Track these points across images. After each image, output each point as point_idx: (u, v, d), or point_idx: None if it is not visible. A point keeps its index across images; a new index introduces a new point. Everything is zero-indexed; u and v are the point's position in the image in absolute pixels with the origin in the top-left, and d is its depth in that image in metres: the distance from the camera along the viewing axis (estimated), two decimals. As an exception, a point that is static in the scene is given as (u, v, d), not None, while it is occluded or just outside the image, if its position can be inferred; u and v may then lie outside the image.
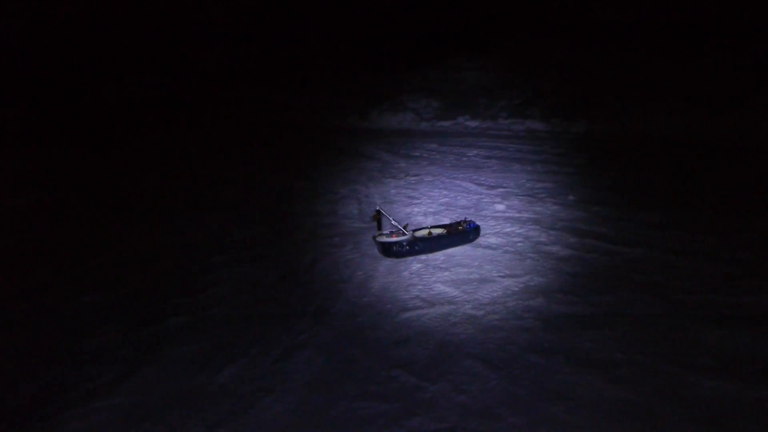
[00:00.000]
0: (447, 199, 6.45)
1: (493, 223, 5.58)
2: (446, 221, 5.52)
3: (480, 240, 5.17)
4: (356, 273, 4.66)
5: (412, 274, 4.57)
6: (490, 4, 17.32)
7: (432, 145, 9.62)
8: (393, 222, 5.08)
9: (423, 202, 6.35)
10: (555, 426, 2.79)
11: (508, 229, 5.41)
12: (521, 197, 6.37)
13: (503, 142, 9.60)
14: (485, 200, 6.33)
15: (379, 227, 5.06)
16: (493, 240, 5.18)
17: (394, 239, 4.90)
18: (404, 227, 5.00)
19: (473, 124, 11.37)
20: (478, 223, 5.29)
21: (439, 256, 4.90)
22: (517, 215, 5.80)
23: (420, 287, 4.32)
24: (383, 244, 4.92)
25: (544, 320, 3.75)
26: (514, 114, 11.50)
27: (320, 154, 9.40)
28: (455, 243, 5.09)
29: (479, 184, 6.96)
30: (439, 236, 5.06)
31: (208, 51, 18.59)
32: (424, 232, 5.10)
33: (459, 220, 5.37)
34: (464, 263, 4.72)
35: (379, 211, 5.08)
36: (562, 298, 4.03)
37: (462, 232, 5.11)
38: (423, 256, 4.89)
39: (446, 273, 4.54)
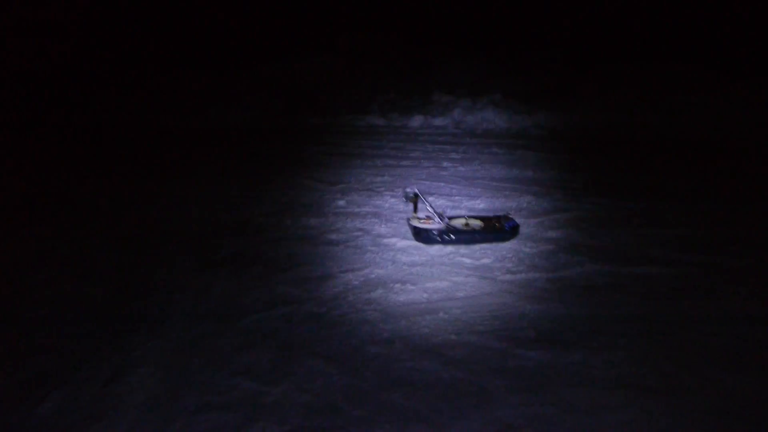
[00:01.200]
0: (287, 198, 6.42)
1: (333, 219, 5.66)
2: (485, 213, 5.48)
3: (321, 236, 5.22)
4: (195, 281, 4.47)
5: (253, 278, 4.48)
6: (329, 1, 17.47)
7: (275, 143, 9.52)
8: (429, 208, 4.99)
9: (264, 202, 6.26)
10: (395, 413, 2.89)
11: (348, 225, 5.51)
12: (361, 192, 6.53)
13: (344, 138, 9.76)
14: (326, 197, 6.40)
15: (415, 210, 5.05)
16: (334, 236, 5.24)
17: (428, 225, 4.86)
18: (440, 214, 4.94)
19: (315, 121, 11.42)
20: (516, 221, 5.10)
21: (283, 256, 4.86)
22: (357, 210, 5.93)
23: (261, 290, 4.25)
24: (415, 228, 4.90)
25: (383, 311, 3.87)
26: (354, 110, 11.73)
27: (157, 159, 8.88)
28: (489, 239, 4.91)
29: (320, 181, 7.01)
30: (474, 230, 4.94)
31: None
32: (460, 221, 5.02)
33: (499, 215, 5.23)
34: (305, 261, 4.73)
35: (416, 194, 5.01)
36: (400, 288, 4.19)
37: (499, 230, 4.96)
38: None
39: (288, 273, 4.52)
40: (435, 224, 4.91)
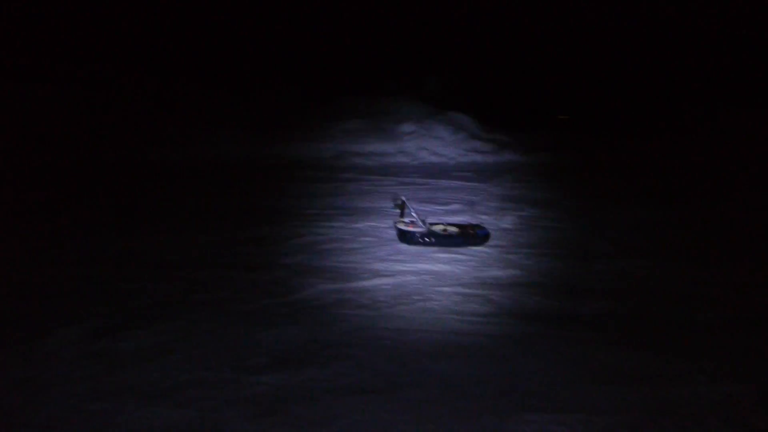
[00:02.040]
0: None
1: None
2: (461, 222, 6.14)
3: None
4: None
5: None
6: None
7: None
8: (413, 214, 5.68)
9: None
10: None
11: None
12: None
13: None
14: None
15: (402, 215, 5.76)
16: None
17: (411, 229, 5.54)
18: (423, 220, 5.60)
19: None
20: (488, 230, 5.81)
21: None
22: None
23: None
24: (401, 230, 5.59)
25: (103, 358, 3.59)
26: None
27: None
28: (463, 244, 5.56)
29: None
30: (451, 235, 5.59)
31: None
32: (440, 227, 5.69)
33: (473, 223, 5.98)
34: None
35: (403, 202, 5.78)
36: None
37: (472, 236, 5.62)
38: None
39: None
40: (418, 228, 5.56)
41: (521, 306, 4.44)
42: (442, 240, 5.58)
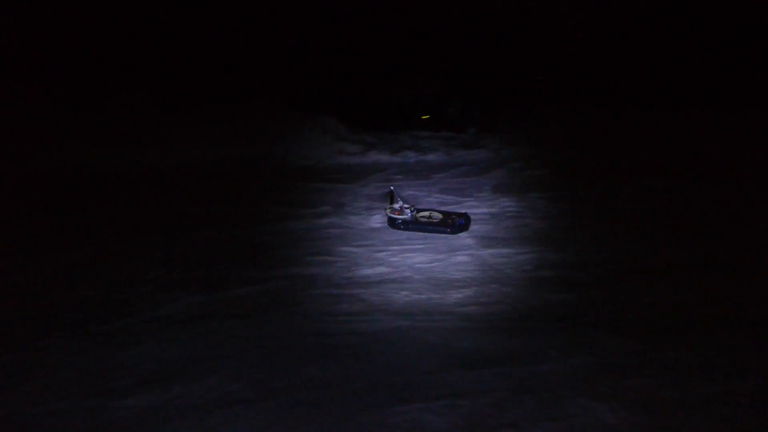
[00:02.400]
0: None
1: None
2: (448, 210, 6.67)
3: None
4: None
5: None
6: None
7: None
8: (400, 202, 6.39)
9: None
10: None
11: None
12: None
13: None
14: None
15: (390, 203, 6.42)
16: None
17: (397, 216, 6.28)
18: (409, 207, 6.32)
19: None
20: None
21: None
22: None
23: None
24: (389, 217, 6.33)
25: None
26: None
27: None
28: (440, 231, 6.17)
29: None
30: (429, 222, 6.25)
31: None
32: (426, 214, 6.38)
33: (458, 212, 6.55)
34: None
35: (392, 191, 6.51)
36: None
37: (452, 224, 6.19)
38: None
39: None
40: (404, 215, 6.28)
41: (390, 302, 4.57)
42: (422, 226, 6.29)
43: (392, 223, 6.40)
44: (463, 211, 6.88)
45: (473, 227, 6.68)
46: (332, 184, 9.03)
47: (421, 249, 5.85)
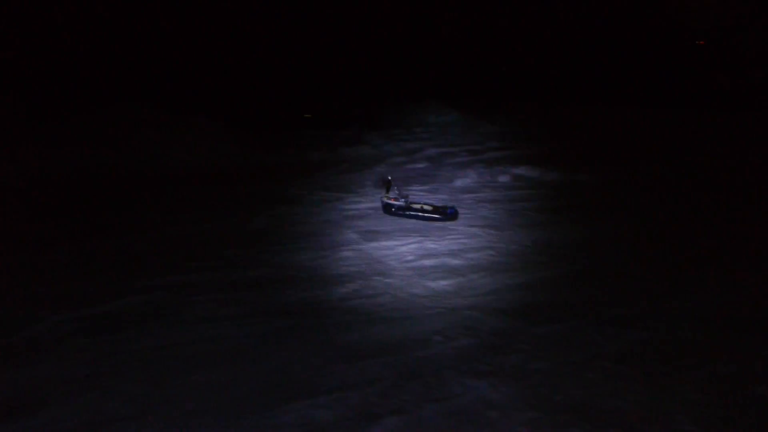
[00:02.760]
0: None
1: None
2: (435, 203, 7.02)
3: None
4: None
5: None
6: None
7: None
8: (396, 191, 6.76)
9: None
10: None
11: None
12: None
13: None
14: None
15: (387, 191, 6.76)
16: None
17: (393, 202, 6.62)
18: (404, 197, 6.73)
19: None
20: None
21: None
22: None
23: None
24: (385, 203, 6.69)
25: None
26: None
27: None
28: (433, 219, 6.60)
29: None
30: (422, 209, 6.67)
31: None
32: (418, 206, 6.71)
33: (446, 205, 6.86)
34: None
35: (389, 180, 6.86)
36: None
37: (443, 213, 6.66)
38: None
39: None
40: (398, 202, 6.70)
41: (274, 303, 4.52)
42: (416, 213, 6.69)
43: (388, 209, 6.99)
44: (450, 204, 7.16)
45: (358, 222, 6.77)
46: (212, 187, 8.77)
47: (304, 247, 5.83)
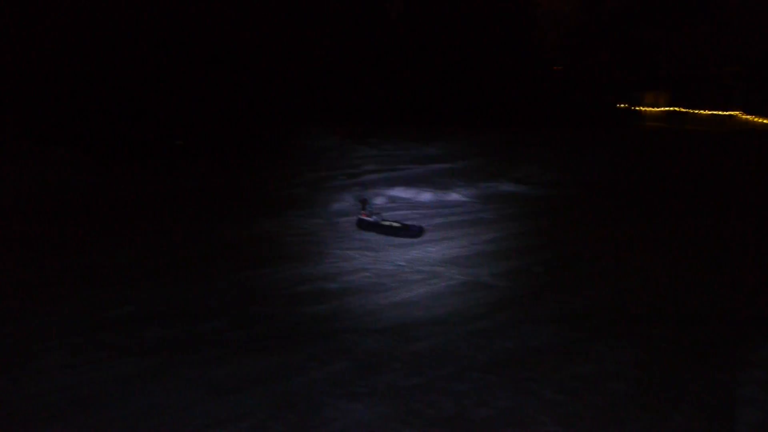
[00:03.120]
0: None
1: None
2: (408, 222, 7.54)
3: None
4: None
5: None
6: None
7: None
8: (368, 210, 7.55)
9: None
10: None
11: None
12: None
13: None
14: None
15: (363, 208, 7.58)
16: None
17: (365, 218, 7.45)
18: (376, 214, 7.53)
19: None
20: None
21: None
22: None
23: None
24: (359, 219, 7.52)
25: None
26: None
27: None
28: (401, 234, 7.14)
29: None
30: (390, 226, 7.28)
31: None
32: (387, 223, 7.37)
33: (415, 225, 7.40)
34: None
35: (365, 199, 7.86)
36: None
37: (410, 229, 7.20)
38: None
39: None
40: (371, 218, 7.39)
41: (139, 342, 4.22)
42: (386, 229, 7.25)
43: (361, 224, 7.48)
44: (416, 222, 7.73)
45: (232, 252, 6.59)
46: (64, 221, 8.12)
47: (174, 280, 5.57)
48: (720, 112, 33.10)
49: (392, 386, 3.61)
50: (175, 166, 13.78)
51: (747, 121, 31.62)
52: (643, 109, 35.78)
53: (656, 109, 35.97)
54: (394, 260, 6.19)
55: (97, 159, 12.50)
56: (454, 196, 9.87)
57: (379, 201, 9.28)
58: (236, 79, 17.29)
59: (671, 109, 35.51)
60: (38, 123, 14.09)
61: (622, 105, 33.72)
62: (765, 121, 30.22)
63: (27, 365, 3.89)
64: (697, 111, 34.05)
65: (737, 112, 32.92)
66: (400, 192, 9.84)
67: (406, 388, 3.59)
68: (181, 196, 10.00)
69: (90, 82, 15.42)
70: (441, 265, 6.11)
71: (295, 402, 3.44)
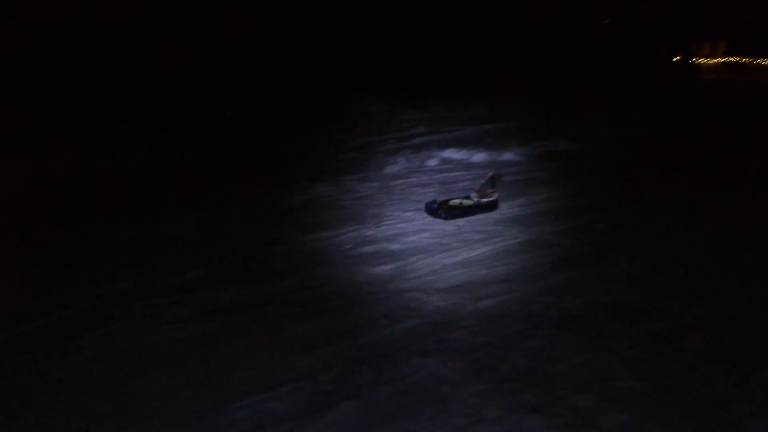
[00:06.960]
0: None
1: None
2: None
3: None
4: None
5: None
6: None
7: None
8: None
9: None
10: None
11: None
12: None
13: None
14: None
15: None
16: None
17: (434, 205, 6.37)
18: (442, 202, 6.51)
19: None
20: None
21: None
22: None
23: None
24: (426, 205, 6.50)
25: None
26: None
27: None
28: (475, 213, 6.38)
29: None
30: (460, 206, 6.38)
31: None
32: (457, 202, 6.47)
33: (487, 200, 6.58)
34: None
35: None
36: None
37: (483, 206, 6.46)
38: None
39: None
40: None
41: (214, 303, 4.39)
42: (464, 211, 6.35)
43: (429, 210, 6.49)
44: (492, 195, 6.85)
45: (292, 216, 6.69)
46: (135, 193, 8.41)
47: (240, 246, 5.71)
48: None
49: (464, 343, 3.65)
50: (227, 136, 14.01)
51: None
52: (700, 60, 34.25)
53: (713, 60, 34.40)
54: (453, 221, 6.18)
55: (149, 132, 12.77)
56: (507, 155, 9.71)
57: (432, 162, 9.24)
58: (283, 48, 17.30)
59: (729, 59, 33.90)
60: (91, 97, 14.46)
61: (677, 57, 32.36)
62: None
63: (113, 325, 4.10)
64: (756, 61, 32.41)
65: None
66: (452, 153, 9.74)
67: (478, 344, 3.62)
68: (236, 166, 10.16)
69: (141, 56, 15.68)
70: (501, 224, 6.07)
71: (370, 358, 3.51)
